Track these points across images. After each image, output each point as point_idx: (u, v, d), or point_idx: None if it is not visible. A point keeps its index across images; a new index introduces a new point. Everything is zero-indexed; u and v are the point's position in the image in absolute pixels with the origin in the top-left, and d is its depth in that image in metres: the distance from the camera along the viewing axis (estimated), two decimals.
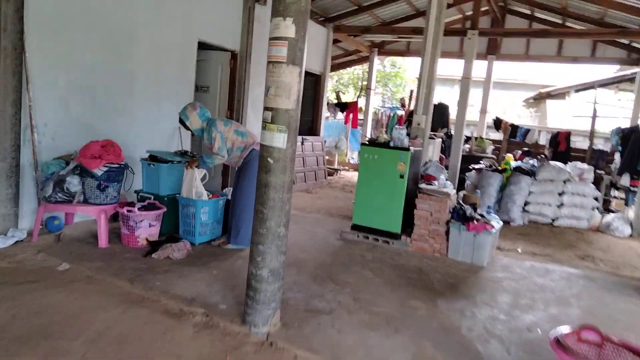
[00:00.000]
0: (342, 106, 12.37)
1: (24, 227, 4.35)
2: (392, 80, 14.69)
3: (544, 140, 10.31)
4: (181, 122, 4.40)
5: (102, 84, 4.97)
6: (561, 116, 14.98)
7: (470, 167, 8.15)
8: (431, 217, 5.11)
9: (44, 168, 4.35)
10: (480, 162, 8.37)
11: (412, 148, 5.22)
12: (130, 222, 4.26)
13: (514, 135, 9.91)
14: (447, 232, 5.02)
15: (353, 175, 11.33)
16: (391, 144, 5.27)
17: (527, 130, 9.87)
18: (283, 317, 3.08)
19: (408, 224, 5.33)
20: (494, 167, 7.78)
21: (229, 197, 4.84)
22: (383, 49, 11.95)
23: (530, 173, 7.40)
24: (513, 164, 7.74)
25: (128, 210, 4.23)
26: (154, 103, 5.67)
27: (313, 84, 9.72)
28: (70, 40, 4.58)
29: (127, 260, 3.96)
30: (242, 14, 6.96)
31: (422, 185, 5.24)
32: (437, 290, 3.98)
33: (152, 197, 4.72)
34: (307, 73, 9.01)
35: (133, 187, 4.91)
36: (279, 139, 2.78)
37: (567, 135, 9.15)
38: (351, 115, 12.36)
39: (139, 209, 4.31)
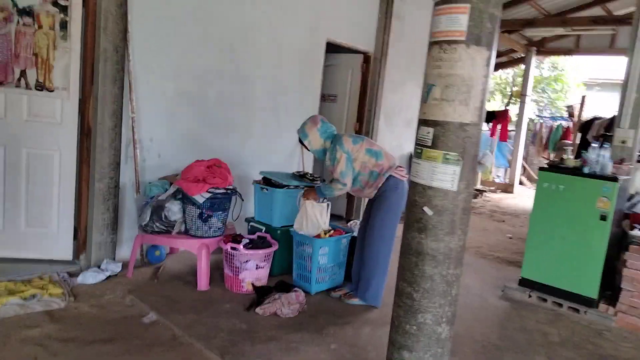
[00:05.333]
0: (489, 116, 10.62)
1: (121, 257, 3.77)
2: (551, 85, 12.37)
3: None
4: (301, 141, 3.46)
5: (214, 94, 4.27)
6: None
7: None
8: None
9: (147, 190, 3.73)
10: None
11: (618, 177, 3.61)
12: (235, 261, 3.41)
13: None
14: None
15: (501, 198, 9.56)
16: (585, 170, 3.72)
17: None
18: None
19: (607, 286, 3.72)
20: None
21: (355, 233, 3.75)
22: (543, 48, 9.97)
23: None
24: None
25: (232, 248, 3.39)
26: (273, 115, 4.86)
27: None
28: (180, 43, 3.94)
29: (224, 315, 3.09)
30: (378, 9, 5.90)
31: (635, 232, 3.58)
32: None
33: (264, 229, 3.85)
34: None
35: (244, 213, 4.11)
36: (445, 176, 1.62)
37: None
38: (499, 127, 10.56)
39: (245, 245, 3.44)
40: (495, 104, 13.60)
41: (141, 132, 3.79)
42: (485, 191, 9.68)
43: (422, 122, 1.65)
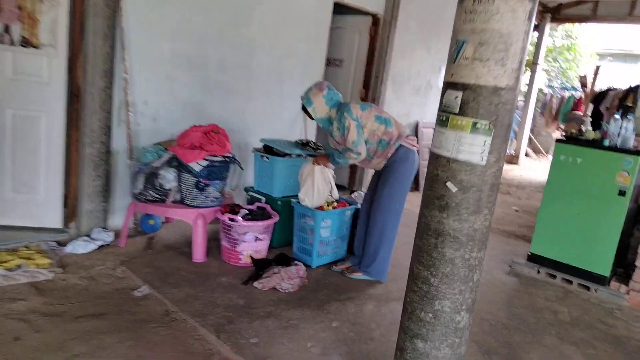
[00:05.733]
0: None
1: (114, 226, 3.60)
2: (563, 55, 11.92)
3: None
4: (304, 109, 3.21)
5: (215, 57, 3.99)
6: None
7: None
8: None
9: (141, 156, 3.52)
10: None
11: None
12: (232, 233, 3.24)
13: None
14: None
15: (507, 170, 9.35)
16: (606, 143, 3.50)
17: None
18: None
19: (619, 263, 3.57)
20: None
21: (359, 205, 3.57)
22: (559, 15, 9.53)
23: None
24: None
25: (230, 219, 3.21)
26: (276, 81, 4.59)
27: None
28: (180, 1, 3.65)
29: (221, 289, 2.94)
30: None
31: None
32: None
33: (264, 200, 3.66)
34: None
35: (243, 183, 3.92)
36: (473, 147, 1.41)
37: None
38: None
39: (244, 216, 3.26)
40: None
41: (135, 94, 3.55)
42: None
43: (449, 85, 1.43)
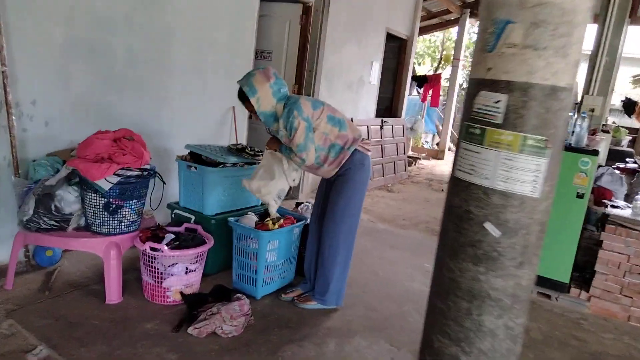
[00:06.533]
0: (421, 80, 10.33)
1: (0, 259, 2.81)
2: None
3: None
4: (241, 97, 2.62)
5: (121, 46, 3.28)
6: None
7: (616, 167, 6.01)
8: (627, 263, 3.18)
9: (31, 171, 2.77)
10: (628, 159, 6.20)
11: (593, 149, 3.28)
12: (157, 265, 2.62)
13: None
14: None
15: (434, 165, 9.39)
16: None
17: None
18: None
19: (576, 269, 3.44)
20: None
21: (308, 219, 3.09)
22: (477, 10, 9.71)
23: None
24: None
25: (152, 249, 2.58)
26: (198, 75, 3.95)
27: (396, 50, 7.75)
28: None
29: (146, 340, 2.32)
30: None
31: (612, 210, 3.29)
32: None
33: (194, 219, 3.06)
34: (388, 36, 7.05)
35: (166, 198, 3.27)
36: (524, 174, 0.99)
37: None
38: (431, 92, 10.32)
39: (170, 243, 2.65)
40: (424, 69, 13.37)
41: (18, 92, 2.77)
42: (419, 158, 9.44)
43: (484, 84, 0.99)
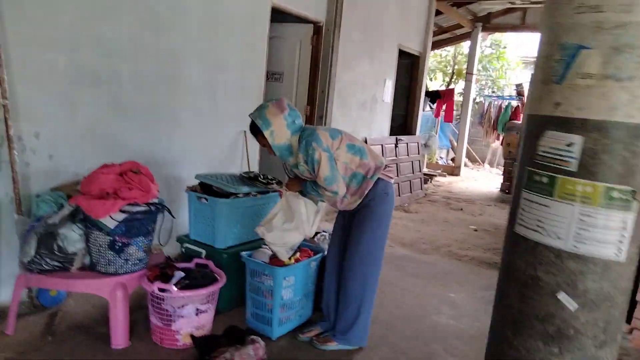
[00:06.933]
0: (434, 95, 10.18)
1: (2, 301, 2.66)
2: (493, 63, 12.09)
3: None
4: (254, 131, 2.48)
5: (128, 72, 3.17)
6: None
7: None
8: None
9: (34, 206, 2.63)
10: None
11: None
12: (166, 307, 2.44)
13: None
14: None
15: (450, 182, 9.16)
16: None
17: None
18: None
19: None
20: None
21: (326, 252, 2.90)
22: (489, 24, 9.56)
23: None
24: None
25: (161, 290, 2.41)
26: (208, 99, 3.83)
27: (409, 67, 7.60)
28: (79, 3, 2.81)
29: None
30: None
31: None
32: None
33: (204, 253, 2.89)
34: (401, 53, 6.91)
35: (175, 230, 3.11)
36: (606, 232, 0.79)
37: None
38: (444, 107, 10.15)
39: (179, 282, 2.47)
40: (436, 84, 13.20)
41: (21, 125, 2.65)
42: (435, 175, 9.22)
43: (551, 122, 0.81)
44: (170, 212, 2.70)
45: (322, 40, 5.00)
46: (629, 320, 3.07)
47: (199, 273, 2.62)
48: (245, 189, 2.90)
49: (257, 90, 4.30)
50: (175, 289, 2.40)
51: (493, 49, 12.16)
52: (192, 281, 2.53)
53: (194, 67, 3.63)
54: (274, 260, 2.69)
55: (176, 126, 3.57)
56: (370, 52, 6.01)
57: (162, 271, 2.59)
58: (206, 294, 2.49)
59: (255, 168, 4.35)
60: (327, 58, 5.02)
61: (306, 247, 2.88)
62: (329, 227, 3.29)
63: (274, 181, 3.12)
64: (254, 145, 4.35)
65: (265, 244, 2.77)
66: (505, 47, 12.26)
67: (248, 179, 3.07)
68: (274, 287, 2.58)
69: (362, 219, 2.52)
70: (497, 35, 11.98)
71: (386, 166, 2.56)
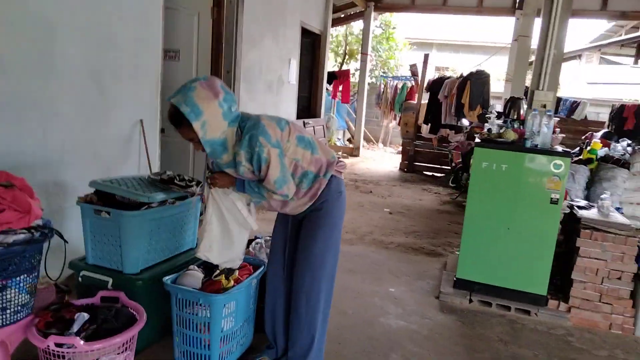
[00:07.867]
0: (330, 77, 9.98)
1: None
2: (383, 44, 12.22)
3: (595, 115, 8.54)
4: (176, 121, 1.86)
5: None
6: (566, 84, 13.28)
7: None
8: (605, 268, 3.02)
9: None
10: None
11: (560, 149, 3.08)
12: None
13: (556, 110, 8.03)
14: (635, 294, 2.98)
15: (352, 163, 9.10)
16: (528, 144, 3.08)
17: (575, 103, 8.03)
18: None
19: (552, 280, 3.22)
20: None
21: (265, 264, 2.46)
22: (381, 3, 9.55)
23: (623, 164, 5.50)
24: (600, 151, 5.80)
25: (58, 344, 1.77)
26: (92, 82, 3.08)
27: (310, 45, 7.27)
28: None
29: None
30: None
31: (585, 213, 3.11)
32: None
33: (110, 282, 2.27)
34: (303, 31, 6.54)
35: (69, 254, 2.40)
36: None
37: (638, 109, 7.36)
38: (341, 88, 10.04)
39: (83, 329, 1.85)
40: (329, 64, 13.01)
41: None
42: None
43: None
44: (61, 236, 2.02)
45: (223, 13, 4.40)
46: (561, 297, 3.13)
47: (109, 312, 2.01)
48: (161, 196, 2.31)
49: (154, 71, 3.63)
50: (80, 342, 1.78)
51: (383, 29, 12.32)
52: (101, 325, 1.92)
53: (73, 43, 2.86)
54: (208, 283, 2.18)
55: (53, 117, 2.80)
56: (275, 29, 5.55)
57: (56, 315, 1.94)
58: (122, 341, 1.91)
59: (156, 165, 3.69)
60: (232, 34, 4.45)
61: (244, 262, 2.40)
62: (265, 228, 2.84)
63: (193, 183, 2.56)
64: (154, 136, 3.68)
65: (192, 265, 2.25)
66: (395, 28, 12.51)
67: (161, 182, 2.47)
68: (211, 318, 2.07)
69: (313, 225, 2.12)
70: (387, 16, 12.14)
71: (338, 161, 2.17)
